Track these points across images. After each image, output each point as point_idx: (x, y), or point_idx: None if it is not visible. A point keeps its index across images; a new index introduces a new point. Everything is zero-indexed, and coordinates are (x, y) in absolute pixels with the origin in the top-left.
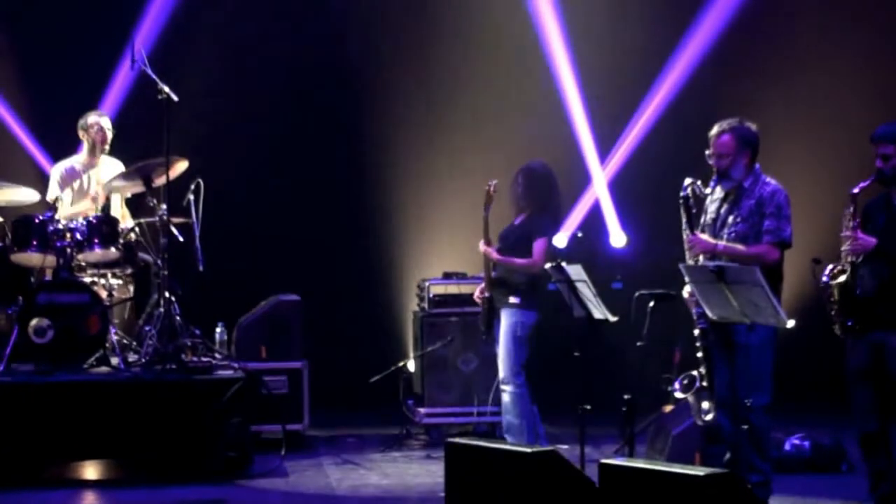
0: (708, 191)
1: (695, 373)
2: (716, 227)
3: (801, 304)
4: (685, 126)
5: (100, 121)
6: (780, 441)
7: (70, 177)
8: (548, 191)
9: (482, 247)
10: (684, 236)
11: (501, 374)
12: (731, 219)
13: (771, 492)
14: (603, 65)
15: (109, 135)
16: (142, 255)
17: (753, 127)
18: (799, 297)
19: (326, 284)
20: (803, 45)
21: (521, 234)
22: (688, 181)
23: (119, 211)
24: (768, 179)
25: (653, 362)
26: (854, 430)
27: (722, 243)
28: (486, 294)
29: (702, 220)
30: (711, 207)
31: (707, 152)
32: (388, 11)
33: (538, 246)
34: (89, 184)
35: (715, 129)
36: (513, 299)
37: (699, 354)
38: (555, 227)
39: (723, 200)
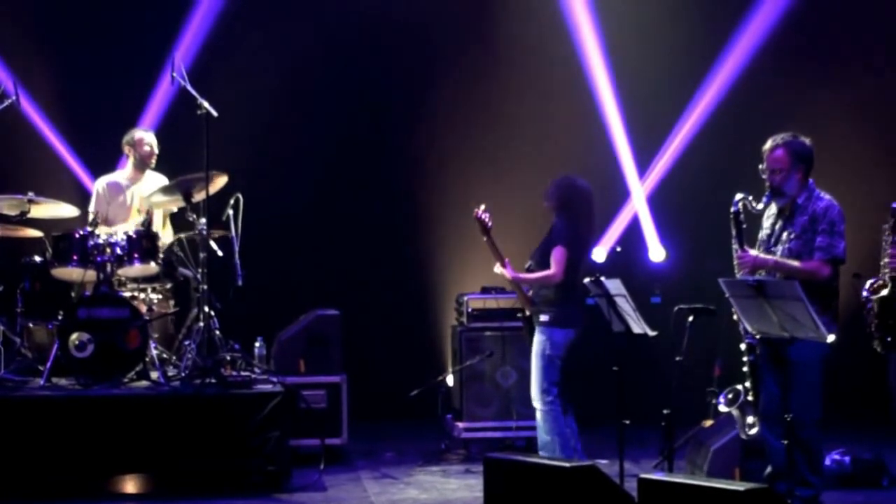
0: (760, 206)
1: (739, 387)
2: (770, 243)
3: (841, 318)
4: (724, 139)
5: (146, 137)
6: None
7: (114, 191)
8: (570, 198)
9: (497, 268)
10: (734, 253)
11: (532, 390)
12: (784, 235)
13: None
14: (641, 79)
15: (156, 151)
16: (182, 269)
17: (808, 141)
18: (839, 311)
19: (365, 299)
20: (848, 57)
21: (545, 248)
22: (739, 196)
23: (160, 225)
24: (822, 195)
25: (692, 377)
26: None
27: (773, 258)
28: (528, 312)
29: (760, 235)
30: (766, 223)
31: (760, 167)
32: (430, 32)
33: (555, 255)
34: (132, 199)
35: (769, 144)
36: (543, 317)
37: (745, 369)
38: (576, 236)
39: (777, 216)
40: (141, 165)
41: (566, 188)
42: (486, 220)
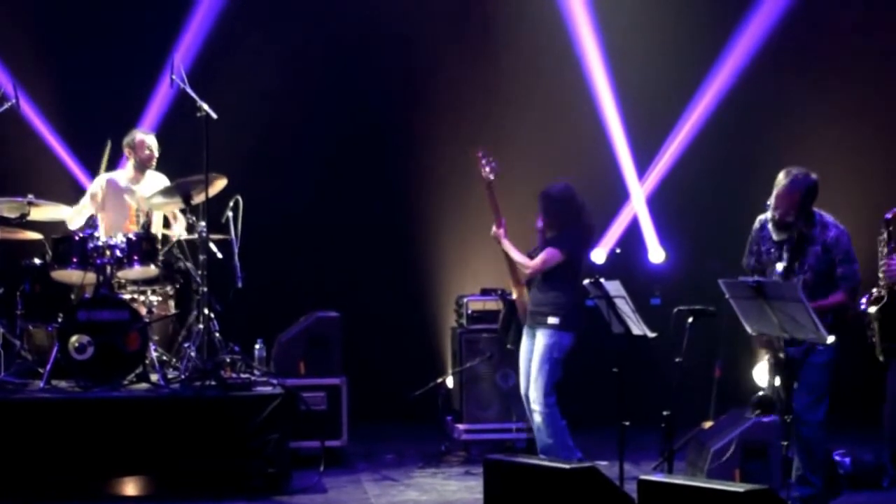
0: (757, 225)
1: (762, 393)
2: (782, 273)
3: (841, 320)
4: (724, 141)
5: (146, 139)
6: None
7: (114, 190)
8: (566, 212)
9: (494, 229)
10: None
11: (532, 393)
12: (797, 266)
13: None
14: (640, 82)
15: (156, 153)
16: (182, 263)
17: (815, 176)
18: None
19: (365, 301)
20: (847, 59)
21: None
22: None
23: (160, 227)
24: (827, 218)
25: (692, 378)
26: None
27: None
28: (515, 295)
29: (751, 260)
30: (769, 247)
31: (769, 202)
32: (430, 33)
33: (548, 253)
34: (133, 200)
35: (783, 184)
36: (552, 319)
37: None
38: (575, 242)
39: (781, 244)
40: (141, 167)
41: (557, 209)
42: (488, 166)
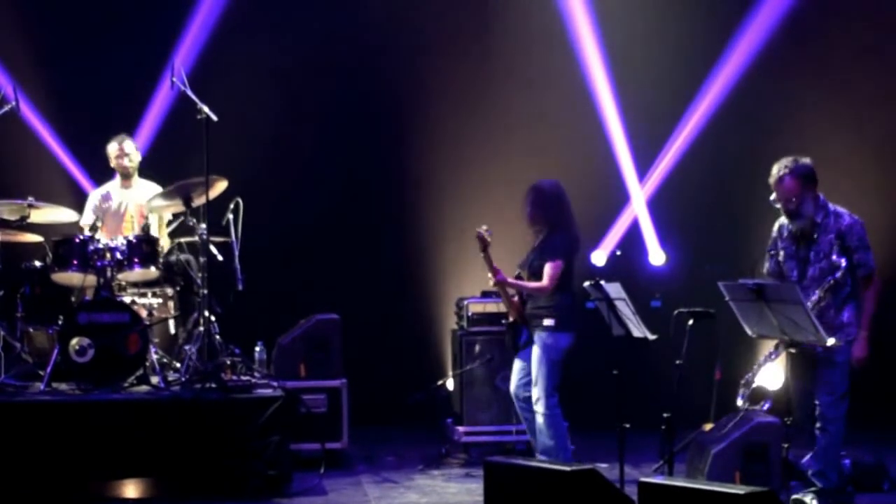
0: (776, 226)
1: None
2: (795, 266)
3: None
4: (724, 143)
5: (121, 147)
6: None
7: (105, 202)
8: (557, 209)
9: (492, 279)
10: None
11: (534, 395)
12: (812, 256)
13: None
14: (641, 84)
15: (127, 161)
16: (181, 256)
17: (808, 160)
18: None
19: (365, 303)
20: (846, 62)
21: (540, 259)
22: None
23: (158, 231)
24: (840, 210)
25: (692, 380)
26: None
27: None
28: (511, 318)
29: (770, 263)
30: (787, 243)
31: (771, 198)
32: (430, 37)
33: (550, 269)
34: (124, 207)
35: (774, 175)
36: (547, 322)
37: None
38: (569, 246)
39: (796, 237)
40: (121, 175)
41: (547, 204)
42: (488, 238)
